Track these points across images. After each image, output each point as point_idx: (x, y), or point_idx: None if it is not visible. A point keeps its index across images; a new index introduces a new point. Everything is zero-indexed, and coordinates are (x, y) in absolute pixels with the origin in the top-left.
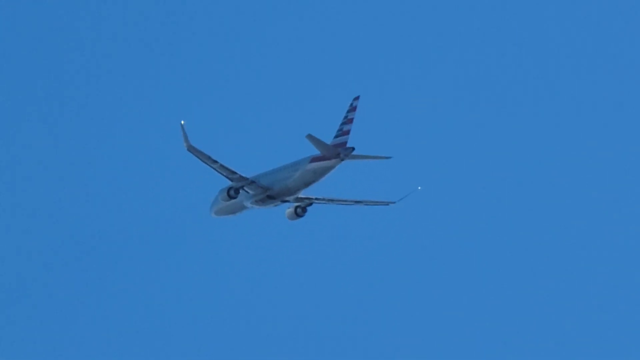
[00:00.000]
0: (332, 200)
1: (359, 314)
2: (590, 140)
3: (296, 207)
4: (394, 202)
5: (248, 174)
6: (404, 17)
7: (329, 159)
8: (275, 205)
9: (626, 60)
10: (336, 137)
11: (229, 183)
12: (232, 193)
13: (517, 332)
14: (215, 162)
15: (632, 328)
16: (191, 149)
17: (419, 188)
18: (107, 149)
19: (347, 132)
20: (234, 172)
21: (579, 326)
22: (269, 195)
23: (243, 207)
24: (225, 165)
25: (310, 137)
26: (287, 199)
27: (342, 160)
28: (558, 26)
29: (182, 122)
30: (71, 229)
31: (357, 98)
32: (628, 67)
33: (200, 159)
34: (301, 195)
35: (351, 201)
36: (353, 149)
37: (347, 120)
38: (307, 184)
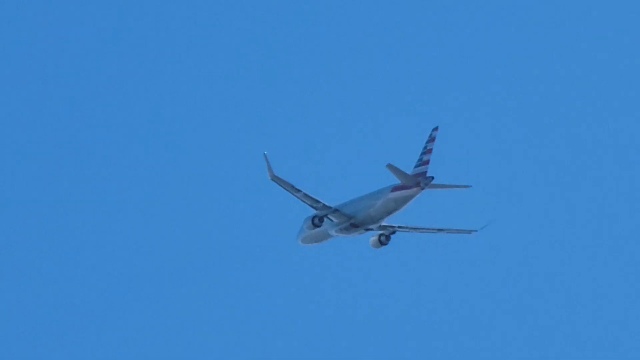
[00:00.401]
0: (415, 229)
1: (442, 338)
2: None
3: (380, 235)
4: (476, 230)
5: (331, 202)
6: (478, 49)
7: (409, 188)
8: (360, 234)
9: None
10: (416, 166)
11: (314, 212)
12: (316, 222)
13: None
14: (299, 191)
15: None
16: (275, 179)
17: (499, 217)
18: (197, 178)
19: (427, 162)
20: (317, 201)
21: None
22: (353, 223)
23: (328, 236)
24: (309, 194)
25: (391, 166)
26: (371, 227)
27: (422, 189)
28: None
29: (265, 153)
30: (157, 255)
31: (436, 129)
32: None
33: (284, 188)
34: (384, 223)
35: (434, 229)
36: (432, 178)
37: (427, 150)
38: (389, 213)
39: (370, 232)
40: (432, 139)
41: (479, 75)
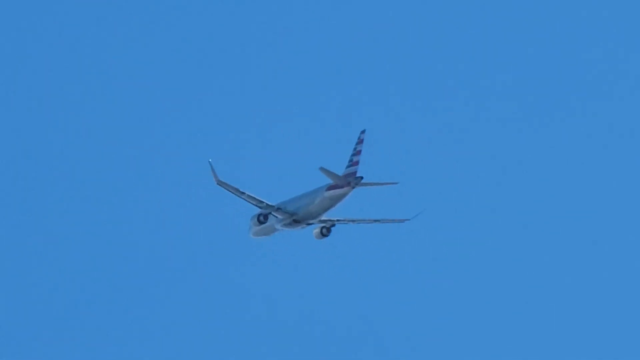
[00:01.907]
0: (352, 221)
1: (383, 321)
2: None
3: (321, 228)
4: (409, 219)
5: (273, 201)
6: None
7: (342, 187)
8: (302, 228)
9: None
10: (347, 167)
11: (259, 210)
12: (261, 219)
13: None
14: (243, 193)
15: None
16: (221, 184)
17: (429, 207)
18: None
19: (357, 163)
20: (261, 201)
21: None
22: (295, 219)
23: (275, 230)
24: (253, 195)
25: (323, 169)
26: (311, 222)
27: (354, 187)
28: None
29: (210, 160)
30: (113, 260)
31: (363, 131)
32: None
33: (230, 191)
34: (324, 217)
35: (370, 220)
36: (362, 178)
37: (356, 152)
38: (326, 209)
39: (312, 225)
40: (360, 141)
41: (404, 76)
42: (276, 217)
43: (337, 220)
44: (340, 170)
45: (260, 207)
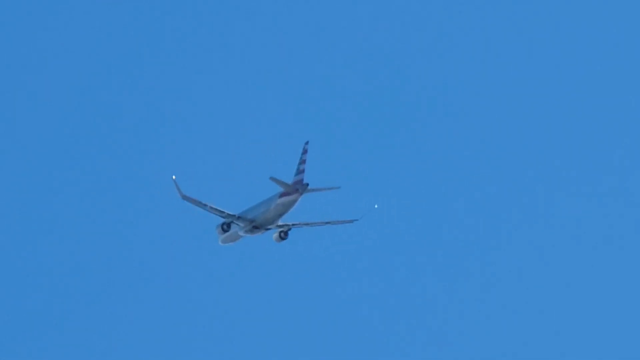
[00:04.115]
0: (307, 224)
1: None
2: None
3: (279, 232)
4: (357, 220)
5: (234, 210)
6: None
7: (291, 194)
8: (262, 233)
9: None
10: (295, 175)
11: (222, 219)
12: (225, 227)
13: None
14: (206, 205)
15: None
16: (185, 198)
17: (375, 206)
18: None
19: (303, 171)
20: (222, 211)
21: None
22: (255, 225)
23: (239, 236)
24: (215, 206)
25: (273, 179)
26: (269, 227)
27: (302, 194)
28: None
29: (174, 177)
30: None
31: (307, 143)
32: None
33: (194, 204)
34: (281, 222)
35: (322, 222)
36: (307, 184)
37: (302, 162)
38: (280, 215)
39: (271, 230)
40: (305, 152)
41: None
42: (238, 224)
43: (293, 224)
44: (290, 179)
45: (222, 217)
